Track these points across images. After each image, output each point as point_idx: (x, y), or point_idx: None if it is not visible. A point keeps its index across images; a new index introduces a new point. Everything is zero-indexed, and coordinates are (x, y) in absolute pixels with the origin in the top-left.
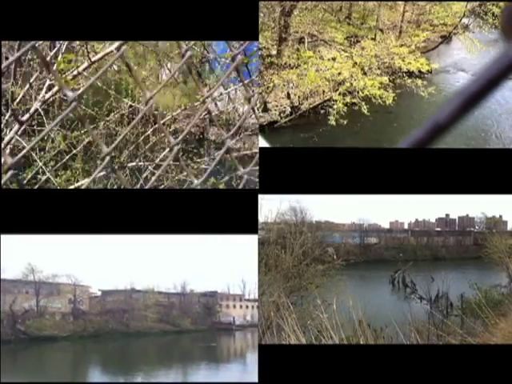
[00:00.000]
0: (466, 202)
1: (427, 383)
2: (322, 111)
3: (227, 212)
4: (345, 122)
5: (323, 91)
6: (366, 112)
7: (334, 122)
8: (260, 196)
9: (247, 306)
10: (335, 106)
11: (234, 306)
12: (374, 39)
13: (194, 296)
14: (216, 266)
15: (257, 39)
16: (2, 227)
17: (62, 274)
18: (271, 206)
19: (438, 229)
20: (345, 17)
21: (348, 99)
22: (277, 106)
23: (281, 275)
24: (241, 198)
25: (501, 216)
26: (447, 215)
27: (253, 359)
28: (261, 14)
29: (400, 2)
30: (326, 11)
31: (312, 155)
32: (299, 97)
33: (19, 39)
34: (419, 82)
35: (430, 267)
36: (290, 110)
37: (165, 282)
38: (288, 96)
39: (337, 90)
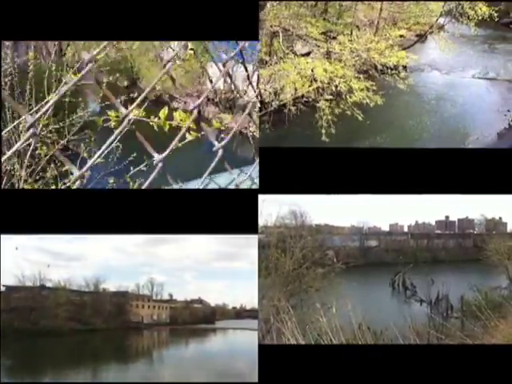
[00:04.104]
0: (466, 203)
1: (427, 383)
2: (294, 107)
3: (226, 212)
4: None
5: (295, 89)
6: (360, 118)
7: (326, 139)
8: (260, 198)
9: (154, 307)
10: (324, 117)
11: (143, 306)
12: (350, 35)
13: (106, 295)
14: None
15: (257, 39)
16: (2, 227)
17: None
18: (271, 210)
19: (438, 231)
20: (320, 12)
21: (336, 109)
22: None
23: (281, 279)
24: (240, 198)
25: (500, 218)
26: (447, 217)
27: (159, 357)
28: None
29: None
30: (301, 6)
31: (312, 155)
32: (270, 93)
33: (19, 39)
34: (400, 74)
35: (430, 270)
36: (259, 106)
37: (79, 280)
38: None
39: (310, 86)
